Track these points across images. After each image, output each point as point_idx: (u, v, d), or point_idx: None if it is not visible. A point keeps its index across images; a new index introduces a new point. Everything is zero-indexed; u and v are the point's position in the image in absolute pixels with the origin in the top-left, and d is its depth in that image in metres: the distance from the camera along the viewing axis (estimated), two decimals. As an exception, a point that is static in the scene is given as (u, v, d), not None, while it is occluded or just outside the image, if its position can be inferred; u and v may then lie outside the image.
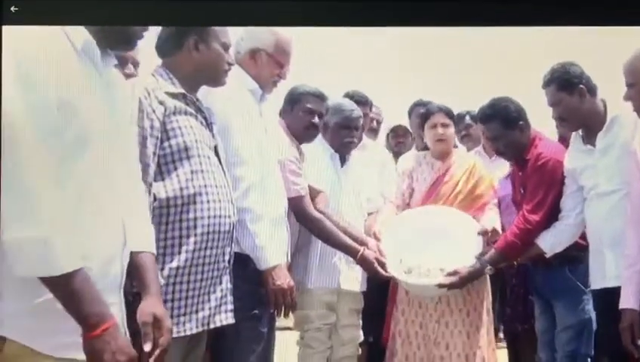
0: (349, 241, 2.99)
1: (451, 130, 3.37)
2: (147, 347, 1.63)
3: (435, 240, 3.06)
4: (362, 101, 3.81)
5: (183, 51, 2.21)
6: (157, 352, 1.65)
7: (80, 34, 1.52)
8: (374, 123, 4.22)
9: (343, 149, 3.26)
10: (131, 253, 1.68)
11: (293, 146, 2.97)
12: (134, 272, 1.71)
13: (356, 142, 3.31)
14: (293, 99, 3.09)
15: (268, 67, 2.64)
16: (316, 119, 3.06)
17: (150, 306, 1.68)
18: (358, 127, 3.29)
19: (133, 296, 1.75)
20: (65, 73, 1.44)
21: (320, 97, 3.10)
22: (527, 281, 3.46)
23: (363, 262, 2.99)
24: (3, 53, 1.38)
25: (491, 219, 3.18)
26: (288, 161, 2.86)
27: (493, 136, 3.10)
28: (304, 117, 3.05)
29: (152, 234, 1.83)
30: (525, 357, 3.59)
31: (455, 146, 3.50)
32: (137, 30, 1.68)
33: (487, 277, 3.24)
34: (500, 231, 3.12)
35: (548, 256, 2.97)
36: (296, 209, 2.85)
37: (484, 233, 3.06)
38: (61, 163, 1.42)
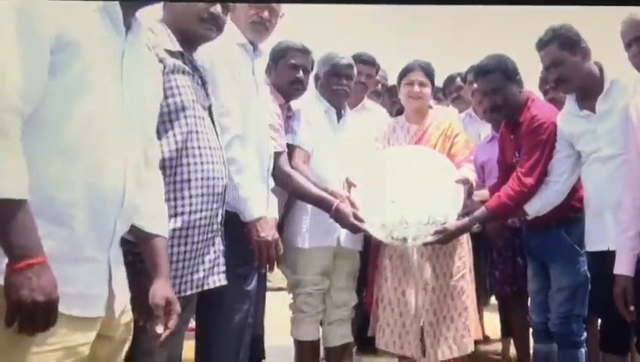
0: (323, 194, 2.91)
1: (428, 89, 3.28)
2: (159, 329, 1.68)
3: (414, 188, 2.94)
4: (369, 61, 3.75)
5: (167, 4, 2.15)
6: (166, 334, 1.68)
7: None
8: (379, 86, 4.16)
9: (334, 99, 3.19)
10: (145, 233, 1.75)
11: (274, 101, 2.90)
12: (146, 253, 1.76)
13: (348, 91, 3.21)
14: (277, 55, 3.04)
15: (241, 10, 2.54)
16: (301, 74, 3.01)
17: (163, 289, 1.72)
18: (349, 76, 3.21)
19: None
20: (69, 12, 1.42)
21: (304, 51, 3.04)
22: (514, 243, 3.49)
23: (338, 215, 2.90)
24: None
25: (468, 170, 3.12)
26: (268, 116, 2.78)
27: (492, 88, 3.02)
28: (288, 72, 3.01)
29: (166, 218, 1.85)
30: (515, 319, 3.63)
31: (430, 107, 3.41)
32: None
33: (468, 237, 3.24)
34: (474, 185, 3.09)
35: (529, 218, 2.99)
36: (272, 165, 2.77)
37: (464, 182, 2.99)
38: (56, 105, 1.40)
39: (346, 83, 3.18)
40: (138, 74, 1.63)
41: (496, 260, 3.59)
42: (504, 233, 3.51)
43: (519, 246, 3.44)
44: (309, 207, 3.03)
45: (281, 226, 2.89)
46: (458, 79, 4.34)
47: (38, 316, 1.33)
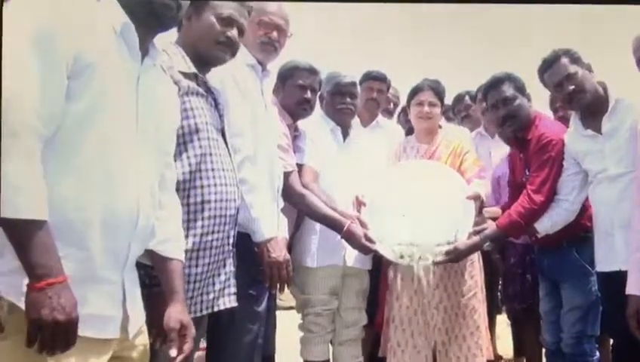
0: (335, 215, 2.92)
1: (438, 110, 3.30)
2: (173, 352, 1.68)
3: (425, 202, 2.94)
4: (379, 77, 3.76)
5: (183, 25, 2.17)
6: (180, 358, 1.69)
7: (120, 16, 1.56)
8: (391, 105, 4.17)
9: (339, 118, 3.20)
10: (161, 256, 1.76)
11: (282, 122, 2.91)
12: (162, 277, 1.77)
13: (352, 109, 3.22)
14: (285, 75, 3.05)
15: (250, 31, 2.54)
16: (308, 94, 3.02)
17: (178, 313, 1.73)
18: (353, 94, 3.21)
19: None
20: (86, 37, 1.45)
21: (311, 71, 3.05)
22: (524, 260, 3.48)
23: (350, 236, 2.90)
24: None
25: (477, 184, 3.10)
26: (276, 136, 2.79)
27: (505, 98, 3.01)
28: (296, 92, 3.01)
29: (182, 241, 1.86)
30: (527, 337, 3.62)
31: (439, 126, 3.40)
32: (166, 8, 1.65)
33: (480, 256, 3.23)
34: (485, 199, 3.08)
35: (540, 236, 2.99)
36: (283, 184, 2.77)
37: (475, 198, 2.98)
38: (71, 127, 1.43)
39: (350, 102, 3.19)
40: (154, 98, 1.65)
41: (506, 277, 3.59)
42: (517, 250, 3.51)
43: (530, 264, 3.43)
44: (318, 226, 3.03)
45: (289, 246, 2.90)
46: (467, 98, 4.34)
47: (58, 335, 1.35)
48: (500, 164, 3.64)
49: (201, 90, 2.14)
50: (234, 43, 2.22)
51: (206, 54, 2.19)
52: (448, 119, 4.31)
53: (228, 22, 2.19)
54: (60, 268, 1.37)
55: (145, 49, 1.63)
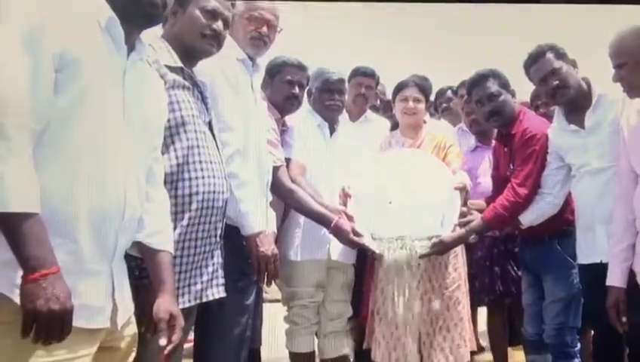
0: (323, 210, 2.95)
1: (422, 105, 3.33)
2: (162, 342, 1.71)
3: (411, 190, 3.00)
4: (368, 73, 3.78)
5: (169, 20, 2.19)
6: (169, 348, 1.71)
7: (105, 10, 1.58)
8: (378, 101, 4.18)
9: (326, 114, 3.22)
10: (150, 249, 1.77)
11: (271, 117, 2.93)
12: (151, 269, 1.79)
13: (340, 106, 3.24)
14: (273, 71, 3.07)
15: (240, 26, 2.59)
16: (296, 90, 3.05)
17: (167, 303, 1.75)
18: (340, 91, 3.23)
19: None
20: (72, 32, 1.47)
21: (299, 67, 3.08)
22: (492, 253, 3.54)
23: (337, 231, 2.94)
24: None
25: (462, 175, 3.15)
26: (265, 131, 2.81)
27: (490, 94, 3.05)
28: (284, 88, 3.05)
29: (171, 233, 1.88)
30: (492, 328, 3.71)
31: (424, 122, 3.43)
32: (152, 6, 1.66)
33: (463, 249, 3.27)
34: (469, 190, 3.13)
35: (523, 227, 3.04)
36: (272, 179, 2.80)
37: (462, 188, 3.03)
38: (57, 121, 1.45)
39: (338, 98, 3.21)
40: (140, 92, 1.67)
41: (474, 270, 3.64)
42: (483, 243, 3.55)
43: (497, 256, 3.50)
44: (302, 220, 3.06)
45: (276, 239, 2.92)
46: (449, 92, 4.37)
47: (53, 325, 1.38)
48: (466, 158, 3.61)
49: (187, 83, 2.15)
50: (219, 35, 2.23)
51: (192, 47, 2.20)
52: (430, 115, 4.34)
53: (212, 14, 2.21)
54: (53, 259, 1.39)
55: (131, 44, 1.65)
